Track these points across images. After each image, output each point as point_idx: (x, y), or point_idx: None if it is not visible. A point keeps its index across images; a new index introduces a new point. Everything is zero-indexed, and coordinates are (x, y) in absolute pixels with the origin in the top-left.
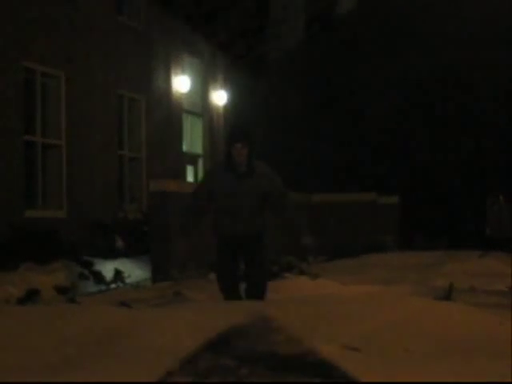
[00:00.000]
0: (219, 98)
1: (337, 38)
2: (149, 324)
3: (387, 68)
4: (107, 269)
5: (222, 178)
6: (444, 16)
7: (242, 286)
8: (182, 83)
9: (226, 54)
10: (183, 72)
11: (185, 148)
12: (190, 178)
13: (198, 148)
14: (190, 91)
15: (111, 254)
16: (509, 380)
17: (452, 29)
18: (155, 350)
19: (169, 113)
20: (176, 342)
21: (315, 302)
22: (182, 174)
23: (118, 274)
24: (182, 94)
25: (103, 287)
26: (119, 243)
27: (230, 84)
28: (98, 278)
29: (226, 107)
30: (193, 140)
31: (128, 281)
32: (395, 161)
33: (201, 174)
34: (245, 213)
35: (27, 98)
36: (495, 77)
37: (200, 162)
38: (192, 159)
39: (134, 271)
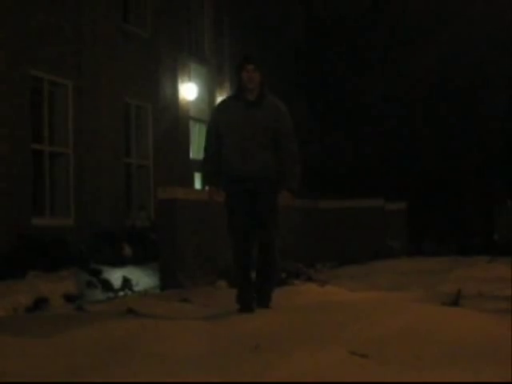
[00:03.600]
0: None
1: (338, 43)
2: (155, 332)
3: (393, 72)
4: (115, 276)
5: (229, 109)
6: (449, 17)
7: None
8: (189, 91)
9: (232, 61)
10: (190, 80)
11: (192, 155)
12: (197, 185)
13: None
14: (197, 99)
15: (119, 261)
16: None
17: (457, 29)
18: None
19: (176, 120)
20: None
21: (323, 309)
22: (190, 181)
23: (126, 282)
24: (189, 102)
25: (111, 295)
26: (127, 251)
27: None
28: (106, 285)
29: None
30: (200, 147)
31: (136, 288)
32: (404, 167)
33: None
34: (254, 148)
35: (35, 107)
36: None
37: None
38: (199, 166)
39: (142, 279)
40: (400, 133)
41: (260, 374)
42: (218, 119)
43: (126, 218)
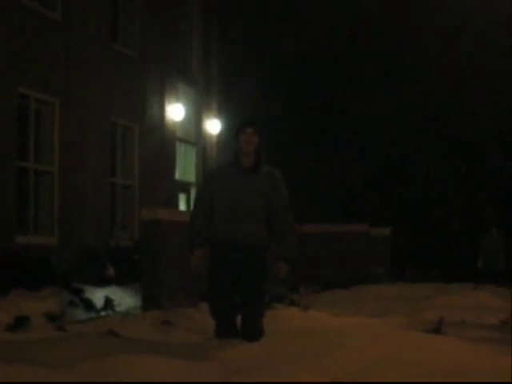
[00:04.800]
0: (213, 126)
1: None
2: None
3: (379, 103)
4: (97, 296)
5: (224, 175)
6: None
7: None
8: (176, 111)
9: (220, 82)
10: (177, 100)
11: (178, 176)
12: (182, 206)
13: (191, 176)
14: (184, 119)
15: (102, 281)
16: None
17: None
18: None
19: (162, 141)
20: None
21: (305, 335)
22: (175, 202)
23: (108, 302)
24: (176, 123)
25: (93, 315)
26: (110, 271)
27: (225, 112)
28: (88, 305)
29: (219, 136)
30: (186, 168)
31: (118, 309)
32: (388, 193)
33: (193, 202)
34: (248, 215)
35: (21, 124)
36: (491, 110)
37: (193, 191)
38: (185, 187)
39: (125, 299)
40: (387, 158)
41: None
42: (213, 185)
43: (110, 238)
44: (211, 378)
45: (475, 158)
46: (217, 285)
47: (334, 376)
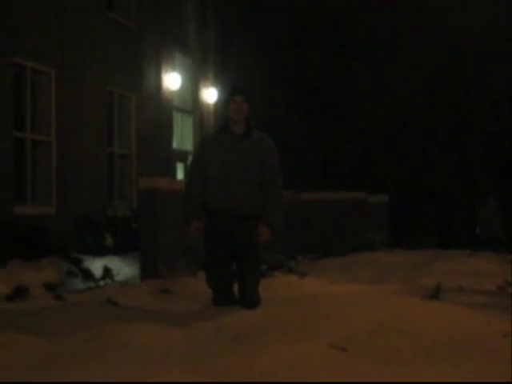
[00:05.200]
0: (209, 95)
1: (322, 37)
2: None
3: (377, 67)
4: (96, 266)
5: (215, 143)
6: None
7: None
8: (172, 81)
9: (216, 51)
10: (174, 69)
11: (175, 145)
12: (180, 174)
13: (188, 145)
14: (181, 89)
15: (100, 251)
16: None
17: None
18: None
19: (159, 110)
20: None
21: (303, 302)
22: (173, 171)
23: (106, 272)
24: (173, 92)
25: (92, 284)
26: (108, 240)
27: (221, 81)
28: (87, 275)
29: (216, 105)
30: (183, 137)
31: (117, 278)
32: (386, 160)
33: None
34: (240, 182)
35: (17, 95)
36: (486, 76)
37: (190, 159)
38: (182, 156)
39: (123, 268)
40: (385, 125)
41: (238, 367)
42: (205, 153)
43: (107, 208)
44: (209, 344)
45: (470, 127)
46: (213, 253)
47: (330, 342)
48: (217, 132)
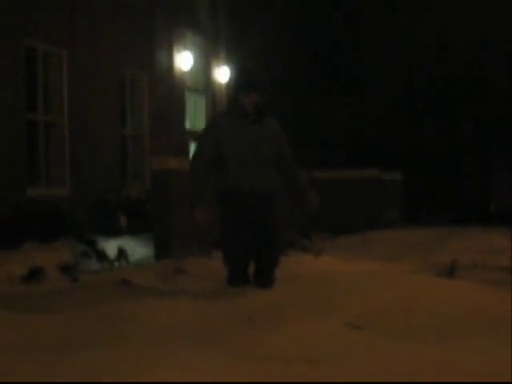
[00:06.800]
0: (222, 74)
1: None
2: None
3: (390, 43)
4: (110, 247)
5: (232, 124)
6: None
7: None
8: (184, 60)
9: (228, 30)
10: (186, 49)
11: (188, 125)
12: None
13: (201, 125)
14: (193, 68)
15: (114, 232)
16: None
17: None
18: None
19: (171, 90)
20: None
21: (317, 280)
22: (186, 151)
23: (121, 252)
24: (185, 72)
25: (106, 265)
26: (122, 221)
27: (233, 61)
28: (101, 256)
29: (228, 84)
30: (196, 117)
31: (131, 259)
32: (398, 136)
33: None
34: (257, 164)
35: (29, 77)
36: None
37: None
38: (195, 136)
39: (137, 249)
40: (397, 102)
41: (252, 345)
42: (218, 134)
43: (121, 188)
44: (223, 324)
45: (483, 101)
46: (232, 234)
47: (345, 320)
48: (229, 114)
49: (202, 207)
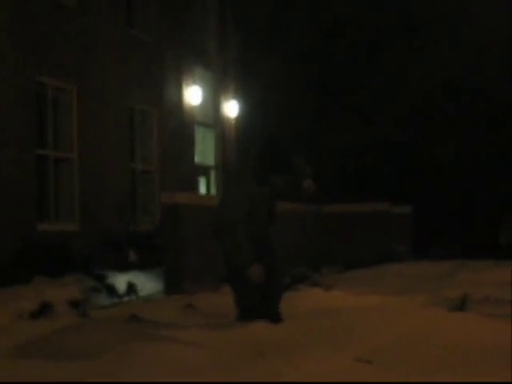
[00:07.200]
0: (231, 109)
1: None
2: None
3: (398, 73)
4: (120, 281)
5: (259, 193)
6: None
7: None
8: (193, 95)
9: (237, 65)
10: (195, 83)
11: (197, 160)
12: (202, 189)
13: (210, 159)
14: (202, 103)
15: (124, 266)
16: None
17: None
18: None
19: (181, 125)
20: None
21: (328, 315)
22: (195, 186)
23: (130, 287)
24: (194, 106)
25: (116, 300)
26: (132, 256)
27: (242, 95)
28: (111, 291)
29: (237, 118)
30: (205, 151)
31: (141, 293)
32: (408, 170)
33: (213, 186)
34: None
35: (39, 112)
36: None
37: (212, 174)
38: (204, 171)
39: (147, 284)
40: (409, 135)
41: (265, 381)
42: (250, 201)
43: (130, 223)
44: (234, 359)
45: (494, 134)
46: (251, 285)
47: (357, 354)
48: (257, 183)
49: (255, 267)
